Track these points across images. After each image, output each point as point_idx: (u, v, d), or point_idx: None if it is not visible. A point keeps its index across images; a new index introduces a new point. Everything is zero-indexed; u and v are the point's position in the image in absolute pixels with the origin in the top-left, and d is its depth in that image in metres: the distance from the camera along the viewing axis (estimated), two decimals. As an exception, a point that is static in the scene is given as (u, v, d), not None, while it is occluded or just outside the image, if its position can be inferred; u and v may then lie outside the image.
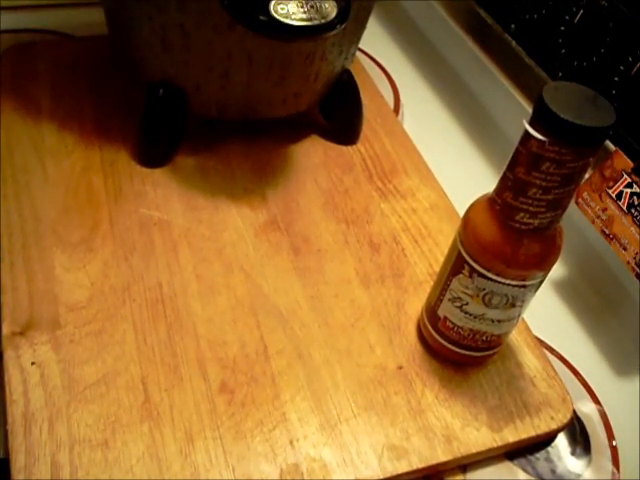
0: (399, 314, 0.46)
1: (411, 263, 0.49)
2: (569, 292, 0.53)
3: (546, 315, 0.50)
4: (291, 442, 0.39)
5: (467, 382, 0.43)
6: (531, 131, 0.31)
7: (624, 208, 0.47)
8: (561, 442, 0.43)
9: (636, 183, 0.46)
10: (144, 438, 0.38)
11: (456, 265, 0.38)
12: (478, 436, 0.40)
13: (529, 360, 0.44)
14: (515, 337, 0.45)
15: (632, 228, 0.46)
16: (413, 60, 0.74)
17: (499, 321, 0.39)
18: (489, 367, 0.44)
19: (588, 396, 0.46)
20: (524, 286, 0.37)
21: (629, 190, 0.46)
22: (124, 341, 0.41)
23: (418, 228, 0.51)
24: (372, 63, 0.70)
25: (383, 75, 0.69)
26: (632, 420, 0.46)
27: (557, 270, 0.54)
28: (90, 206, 0.49)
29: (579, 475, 0.42)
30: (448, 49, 0.73)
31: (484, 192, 0.38)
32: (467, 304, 0.39)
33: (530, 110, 0.32)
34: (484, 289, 0.37)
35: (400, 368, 0.43)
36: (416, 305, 0.46)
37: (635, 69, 0.49)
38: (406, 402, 0.41)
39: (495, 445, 0.40)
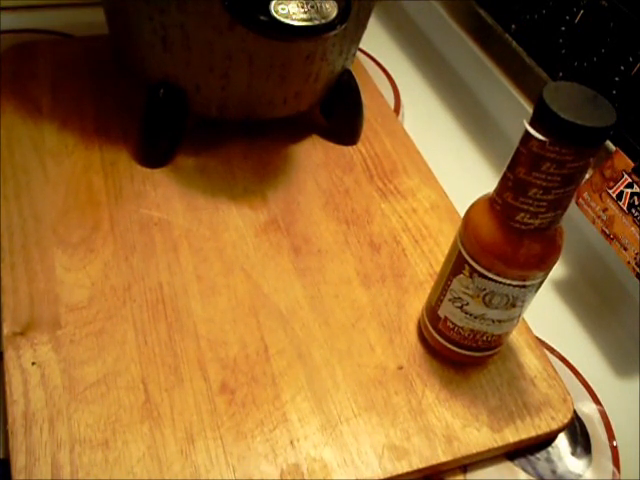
0: (400, 314, 0.46)
1: (411, 263, 0.49)
2: (569, 292, 0.53)
3: (546, 315, 0.50)
4: (292, 442, 0.39)
5: (468, 382, 0.43)
6: (532, 131, 0.31)
7: (624, 208, 0.47)
8: (562, 442, 0.43)
9: (636, 183, 0.46)
10: (145, 438, 0.38)
11: (456, 265, 0.38)
12: (479, 436, 0.40)
13: (530, 360, 0.44)
14: (516, 337, 0.45)
15: (632, 228, 0.46)
16: (413, 60, 0.74)
17: (499, 321, 0.39)
18: (490, 367, 0.44)
19: (589, 396, 0.46)
20: (524, 286, 0.37)
21: (629, 190, 0.46)
22: (125, 341, 0.41)
23: (419, 228, 0.51)
24: (372, 63, 0.70)
25: (383, 75, 0.69)
26: (632, 420, 0.46)
27: (557, 270, 0.54)
28: (90, 206, 0.49)
29: (580, 475, 0.42)
30: (448, 49, 0.73)
31: (484, 192, 0.38)
32: (467, 304, 0.39)
33: (530, 110, 0.32)
34: (484, 289, 0.37)
35: (401, 368, 0.43)
36: (416, 305, 0.46)
37: (635, 69, 0.49)
38: (407, 402, 0.41)
39: (496, 445, 0.40)
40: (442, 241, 0.51)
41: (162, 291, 0.44)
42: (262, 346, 0.43)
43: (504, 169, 0.34)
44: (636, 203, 0.46)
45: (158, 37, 0.46)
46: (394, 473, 0.38)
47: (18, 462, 0.36)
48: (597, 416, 0.45)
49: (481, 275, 0.37)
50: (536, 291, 0.38)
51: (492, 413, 0.41)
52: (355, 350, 0.43)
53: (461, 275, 0.38)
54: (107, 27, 0.54)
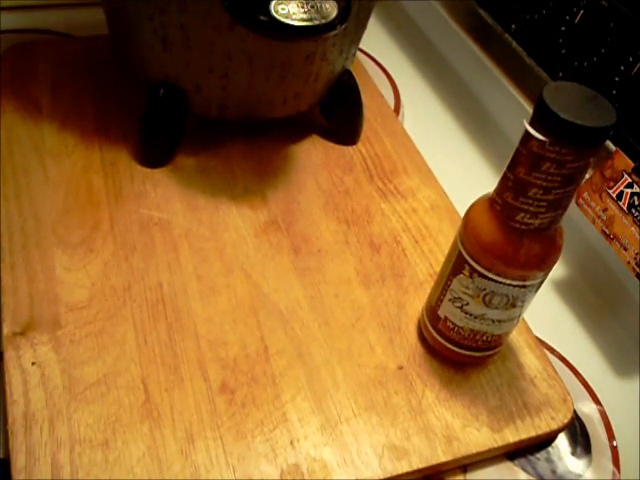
0: (400, 314, 0.46)
1: (412, 263, 0.49)
2: (569, 292, 0.53)
3: (546, 315, 0.50)
4: (292, 442, 0.39)
5: (467, 382, 0.43)
6: (532, 131, 0.31)
7: (624, 208, 0.47)
8: (562, 442, 0.43)
9: (636, 183, 0.46)
10: (145, 438, 0.38)
11: (456, 265, 0.38)
12: (479, 436, 0.40)
13: (530, 360, 0.44)
14: (516, 337, 0.45)
15: (632, 228, 0.46)
16: (413, 60, 0.74)
17: (499, 321, 0.39)
18: (490, 367, 0.44)
19: (588, 396, 0.46)
20: (524, 286, 0.37)
21: (629, 190, 0.46)
22: (124, 341, 0.41)
23: (419, 228, 0.51)
24: (372, 63, 0.70)
25: (383, 75, 0.69)
26: (632, 420, 0.46)
27: (557, 270, 0.54)
28: (90, 206, 0.49)
29: (580, 475, 0.42)
30: (448, 49, 0.73)
31: (484, 192, 0.38)
32: (467, 304, 0.39)
33: (530, 110, 0.32)
34: (484, 289, 0.37)
35: (401, 368, 0.43)
36: (417, 305, 0.46)
37: (635, 69, 0.49)
38: (406, 402, 0.41)
39: (496, 445, 0.40)
40: (442, 241, 0.51)
41: (162, 291, 0.44)
42: (262, 346, 0.43)
43: (504, 169, 0.34)
44: (636, 203, 0.46)
45: (158, 37, 0.46)
46: (394, 473, 0.38)
47: (18, 462, 0.36)
48: (597, 416, 0.45)
49: (481, 275, 0.37)
50: (536, 291, 0.38)
51: (492, 413, 0.41)
52: (355, 350, 0.43)
53: (461, 275, 0.38)
54: (107, 27, 0.54)
